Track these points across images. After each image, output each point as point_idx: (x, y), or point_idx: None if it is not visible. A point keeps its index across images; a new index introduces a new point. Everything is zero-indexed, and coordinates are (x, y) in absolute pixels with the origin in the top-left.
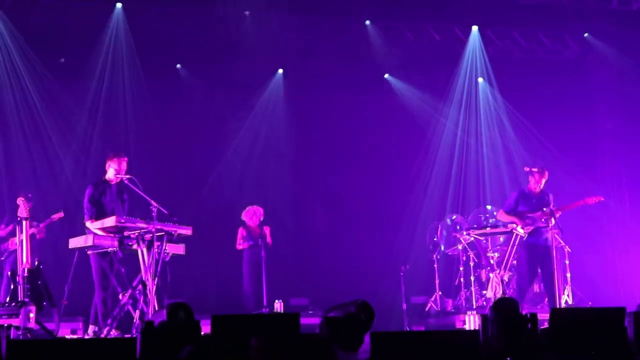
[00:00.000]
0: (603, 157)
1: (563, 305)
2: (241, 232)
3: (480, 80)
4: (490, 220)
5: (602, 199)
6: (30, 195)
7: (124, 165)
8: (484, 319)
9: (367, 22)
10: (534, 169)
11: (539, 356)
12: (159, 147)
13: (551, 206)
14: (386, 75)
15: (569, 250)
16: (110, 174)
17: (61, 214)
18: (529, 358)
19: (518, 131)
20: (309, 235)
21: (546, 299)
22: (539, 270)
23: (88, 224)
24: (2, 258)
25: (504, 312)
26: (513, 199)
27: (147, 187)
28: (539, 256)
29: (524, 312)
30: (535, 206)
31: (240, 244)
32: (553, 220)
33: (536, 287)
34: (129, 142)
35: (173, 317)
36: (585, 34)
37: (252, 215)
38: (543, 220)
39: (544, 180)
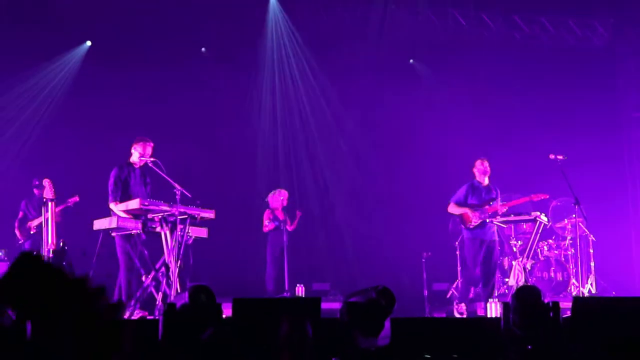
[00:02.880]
0: (629, 146)
1: (586, 294)
2: (267, 214)
3: None
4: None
5: (547, 197)
6: (37, 182)
7: (149, 150)
8: (505, 306)
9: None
10: (477, 161)
11: (560, 345)
12: (183, 130)
13: (498, 201)
14: (411, 60)
15: (594, 239)
16: (135, 157)
17: (76, 199)
18: (550, 346)
19: (544, 118)
20: (331, 221)
21: (568, 288)
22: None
23: (112, 205)
24: (21, 242)
25: (525, 300)
26: (463, 192)
27: (171, 171)
28: (482, 250)
29: (546, 301)
30: (484, 199)
31: (266, 226)
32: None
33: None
34: (153, 124)
35: (195, 300)
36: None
37: (277, 198)
38: (489, 214)
39: (487, 169)
